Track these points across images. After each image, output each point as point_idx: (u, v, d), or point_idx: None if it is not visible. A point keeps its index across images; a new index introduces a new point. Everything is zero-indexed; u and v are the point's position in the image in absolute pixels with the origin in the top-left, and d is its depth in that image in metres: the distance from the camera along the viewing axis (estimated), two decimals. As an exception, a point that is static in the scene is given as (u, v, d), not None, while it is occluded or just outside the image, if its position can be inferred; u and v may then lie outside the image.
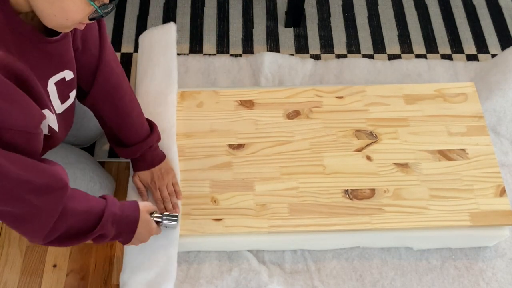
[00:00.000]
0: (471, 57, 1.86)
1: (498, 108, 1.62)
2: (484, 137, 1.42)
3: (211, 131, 1.41)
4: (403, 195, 1.32)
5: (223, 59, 1.78)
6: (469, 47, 1.89)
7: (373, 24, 1.94)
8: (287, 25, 1.91)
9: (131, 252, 1.21)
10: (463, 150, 1.40)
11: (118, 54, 1.80)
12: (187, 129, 1.41)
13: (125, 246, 1.21)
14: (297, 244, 1.39)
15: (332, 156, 1.37)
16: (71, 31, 0.94)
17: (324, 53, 1.85)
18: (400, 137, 1.41)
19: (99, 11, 0.82)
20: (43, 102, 0.91)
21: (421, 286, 1.37)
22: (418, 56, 1.86)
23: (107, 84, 1.13)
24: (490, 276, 1.40)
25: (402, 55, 1.86)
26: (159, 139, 1.27)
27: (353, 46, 1.87)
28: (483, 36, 1.92)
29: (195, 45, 1.84)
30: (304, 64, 1.77)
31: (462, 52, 1.88)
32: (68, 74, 0.99)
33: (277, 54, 1.79)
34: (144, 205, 1.12)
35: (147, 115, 1.27)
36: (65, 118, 1.06)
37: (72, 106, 1.08)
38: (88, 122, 1.41)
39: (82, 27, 0.88)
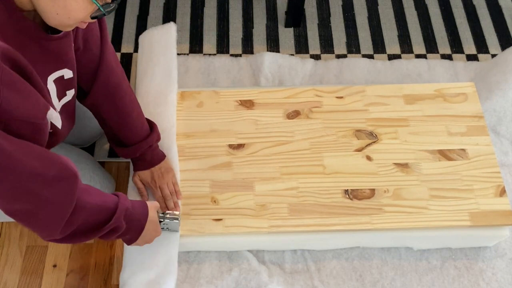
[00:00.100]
0: (471, 57, 1.86)
1: (498, 108, 1.62)
2: (484, 137, 1.42)
3: (211, 131, 1.41)
4: (403, 195, 1.32)
5: (223, 59, 1.78)
6: (469, 47, 1.89)
7: (373, 24, 1.94)
8: (287, 25, 1.91)
9: (131, 252, 1.21)
10: (463, 150, 1.40)
11: (118, 54, 1.80)
12: (187, 129, 1.41)
13: (125, 246, 1.21)
14: (297, 244, 1.39)
15: (332, 156, 1.37)
16: (72, 30, 0.95)
17: (324, 53, 1.85)
18: (400, 137, 1.41)
19: (101, 9, 0.82)
20: (45, 97, 0.91)
21: (421, 286, 1.37)
22: (418, 56, 1.86)
23: (108, 84, 1.13)
24: (490, 276, 1.40)
25: (402, 55, 1.86)
26: (159, 138, 1.27)
27: (353, 46, 1.87)
28: (483, 36, 1.92)
29: (195, 45, 1.84)
30: (304, 64, 1.77)
31: (462, 52, 1.88)
32: (67, 73, 0.99)
33: (277, 54, 1.79)
34: (151, 204, 1.13)
35: (147, 115, 1.27)
36: (66, 116, 1.06)
37: (71, 103, 1.08)
38: (88, 122, 1.41)
39: (84, 26, 0.88)
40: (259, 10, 1.95)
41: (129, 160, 1.30)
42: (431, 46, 1.89)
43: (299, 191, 1.32)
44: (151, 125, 1.26)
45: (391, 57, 1.85)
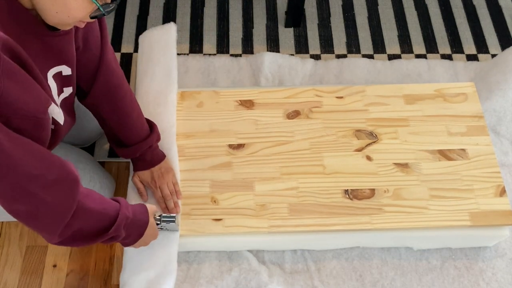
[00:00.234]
0: (471, 57, 1.86)
1: (498, 108, 1.62)
2: (484, 137, 1.42)
3: (211, 131, 1.41)
4: (403, 195, 1.32)
5: (223, 59, 1.78)
6: (469, 47, 1.89)
7: (373, 24, 1.94)
8: (287, 25, 1.91)
9: (131, 252, 1.21)
10: (463, 150, 1.40)
11: (118, 54, 1.80)
12: (187, 129, 1.41)
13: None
14: (297, 244, 1.39)
15: (332, 156, 1.37)
16: (72, 29, 0.95)
17: (324, 53, 1.85)
18: (400, 137, 1.41)
19: (101, 9, 0.82)
20: (47, 92, 0.91)
21: (421, 286, 1.37)
22: (418, 56, 1.86)
23: (108, 84, 1.13)
24: (490, 276, 1.40)
25: (402, 55, 1.86)
26: (159, 139, 1.27)
27: (353, 46, 1.87)
28: (483, 36, 1.92)
29: (195, 45, 1.84)
30: (304, 64, 1.77)
31: (462, 52, 1.88)
32: (65, 70, 0.99)
33: (277, 54, 1.79)
34: (151, 208, 1.13)
35: (147, 115, 1.27)
36: (65, 112, 1.06)
37: (70, 100, 1.07)
38: (88, 122, 1.41)
39: (83, 25, 0.89)
40: (259, 10, 1.95)
41: (129, 160, 1.30)
42: (431, 46, 1.89)
43: (299, 191, 1.32)
44: (151, 125, 1.26)
45: (391, 57, 1.85)
